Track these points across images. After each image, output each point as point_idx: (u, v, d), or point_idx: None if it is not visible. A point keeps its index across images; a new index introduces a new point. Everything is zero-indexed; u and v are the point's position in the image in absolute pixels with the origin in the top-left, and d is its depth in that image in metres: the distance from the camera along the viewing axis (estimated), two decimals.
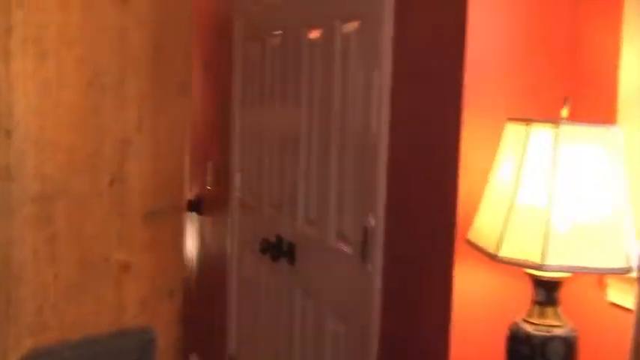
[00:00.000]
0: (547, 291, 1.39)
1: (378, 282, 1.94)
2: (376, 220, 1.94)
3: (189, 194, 3.93)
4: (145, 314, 3.08)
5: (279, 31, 2.69)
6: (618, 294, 1.45)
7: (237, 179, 3.15)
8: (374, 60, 1.96)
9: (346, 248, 2.13)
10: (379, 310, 1.94)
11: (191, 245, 3.96)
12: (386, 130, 1.90)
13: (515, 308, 1.48)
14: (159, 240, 3.14)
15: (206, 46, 3.80)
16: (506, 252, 1.31)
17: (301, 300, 2.48)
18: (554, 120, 1.35)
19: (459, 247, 1.56)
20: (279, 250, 2.58)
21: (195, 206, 3.80)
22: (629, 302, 1.37)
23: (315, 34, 2.36)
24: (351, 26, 2.11)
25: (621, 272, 1.32)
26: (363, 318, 2.01)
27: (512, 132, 1.41)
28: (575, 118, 1.43)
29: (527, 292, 1.44)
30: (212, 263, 3.63)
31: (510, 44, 1.61)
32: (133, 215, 3.05)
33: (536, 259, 1.28)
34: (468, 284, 1.58)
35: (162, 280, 3.16)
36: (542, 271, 1.32)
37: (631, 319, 1.26)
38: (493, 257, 1.33)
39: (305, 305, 2.45)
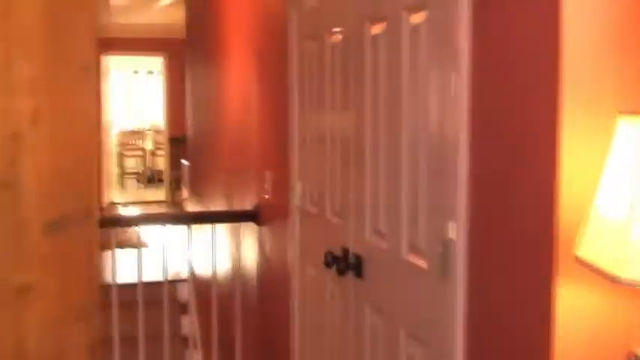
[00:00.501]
0: None
1: (460, 301, 1.72)
2: (457, 232, 1.72)
3: (248, 203, 3.77)
4: (51, 342, 2.41)
5: (339, 28, 2.49)
6: None
7: (297, 188, 2.96)
8: (449, 53, 1.74)
9: (421, 262, 1.92)
10: (463, 333, 1.72)
11: (251, 257, 3.79)
12: (466, 131, 1.68)
13: (634, 336, 1.25)
14: (66, 254, 2.43)
15: (259, 46, 3.63)
16: (631, 274, 1.08)
17: (371, 317, 2.27)
18: None
19: (562, 263, 1.34)
20: (345, 263, 2.38)
21: (253, 216, 3.63)
22: None
23: (378, 29, 2.15)
24: (420, 16, 1.90)
25: None
26: (444, 341, 1.79)
27: (627, 127, 1.18)
28: None
29: None
30: (273, 276, 3.45)
31: (618, 22, 1.37)
32: (31, 226, 2.34)
33: None
34: (574, 307, 1.35)
35: (73, 302, 2.45)
36: None
37: None
38: (614, 279, 1.11)
39: (375, 323, 2.24)
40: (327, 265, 2.46)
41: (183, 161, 9.31)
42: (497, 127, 1.58)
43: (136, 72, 15.74)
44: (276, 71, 3.31)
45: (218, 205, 4.89)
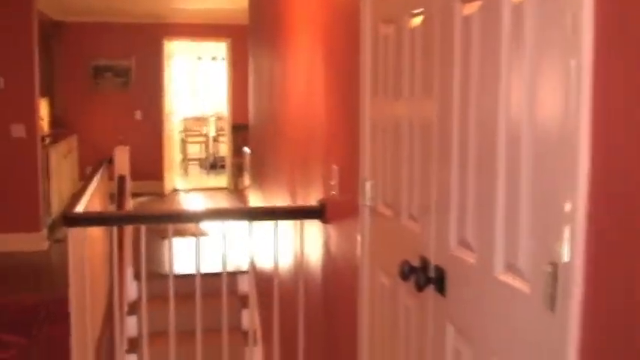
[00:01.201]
0: None
1: (573, 336, 1.41)
2: (572, 249, 1.40)
3: (313, 198, 3.50)
4: None
5: (421, 9, 2.18)
6: None
7: (367, 186, 2.67)
8: (564, 34, 1.42)
9: (521, 285, 1.60)
10: None
11: (315, 254, 3.52)
12: (588, 125, 1.36)
13: None
14: None
15: (326, 30, 3.34)
16: None
17: (455, 339, 1.97)
18: None
19: None
20: (425, 276, 2.08)
21: (318, 213, 3.35)
22: None
23: (471, 8, 1.84)
24: None
25: None
26: None
27: None
28: None
29: None
30: (339, 277, 3.18)
31: None
32: None
33: None
34: None
35: None
36: None
37: None
38: None
39: (460, 347, 1.93)
40: (404, 277, 2.16)
41: (246, 149, 9.11)
42: (629, 120, 1.26)
43: (199, 58, 15.65)
44: (345, 57, 3.02)
45: (280, 197, 4.64)
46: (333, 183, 3.15)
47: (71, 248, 3.32)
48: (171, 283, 3.53)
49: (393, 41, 2.41)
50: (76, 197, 3.77)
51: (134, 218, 3.53)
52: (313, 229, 3.51)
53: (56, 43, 10.99)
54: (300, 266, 3.66)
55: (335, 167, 3.13)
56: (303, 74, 3.96)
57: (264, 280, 5.19)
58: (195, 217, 3.40)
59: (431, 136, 2.09)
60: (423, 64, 2.16)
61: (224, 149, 13.13)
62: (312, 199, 3.55)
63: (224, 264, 3.58)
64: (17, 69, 7.47)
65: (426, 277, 2.08)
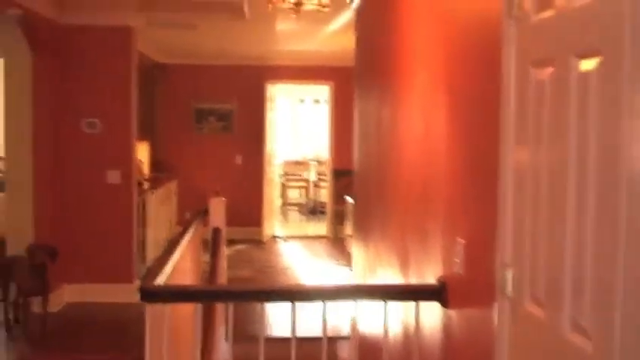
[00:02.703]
0: None
1: None
2: None
3: (430, 274, 2.91)
4: None
5: (590, 46, 1.59)
6: None
7: (508, 276, 2.06)
8: None
9: None
10: None
11: (433, 339, 2.92)
12: None
13: None
14: None
15: (450, 75, 2.79)
16: None
17: None
18: None
19: None
20: None
21: (437, 293, 2.76)
22: None
23: None
24: None
25: None
26: None
27: None
28: None
29: None
30: None
31: None
32: None
33: None
34: None
35: None
36: None
37: None
38: None
39: None
40: None
41: (347, 198, 8.60)
42: None
43: (301, 101, 15.36)
44: (476, 106, 2.45)
45: (387, 260, 4.06)
46: (457, 261, 2.56)
47: (149, 325, 2.85)
48: (261, 349, 2.99)
49: (552, 87, 1.82)
50: (158, 264, 3.31)
51: (222, 294, 3.03)
52: (429, 309, 2.92)
53: (158, 85, 10.87)
54: (414, 353, 3.04)
55: (460, 241, 2.54)
56: (419, 120, 3.40)
57: (368, 347, 4.59)
58: (290, 295, 2.86)
59: (618, 208, 1.48)
60: (599, 116, 1.56)
61: (324, 194, 12.67)
62: (429, 274, 2.96)
63: (324, 330, 2.99)
64: (115, 112, 7.24)
65: None
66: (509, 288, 2.05)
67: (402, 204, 3.76)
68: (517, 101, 2.06)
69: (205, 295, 2.94)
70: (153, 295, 2.82)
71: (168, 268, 3.33)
